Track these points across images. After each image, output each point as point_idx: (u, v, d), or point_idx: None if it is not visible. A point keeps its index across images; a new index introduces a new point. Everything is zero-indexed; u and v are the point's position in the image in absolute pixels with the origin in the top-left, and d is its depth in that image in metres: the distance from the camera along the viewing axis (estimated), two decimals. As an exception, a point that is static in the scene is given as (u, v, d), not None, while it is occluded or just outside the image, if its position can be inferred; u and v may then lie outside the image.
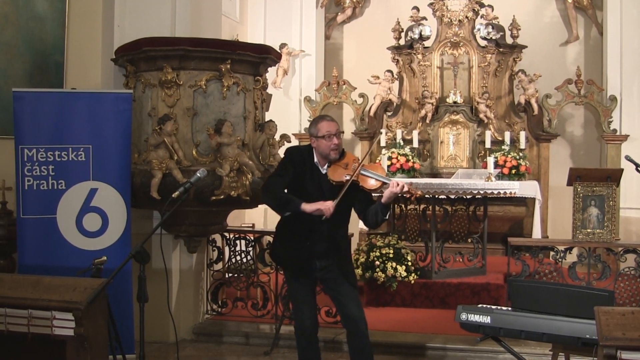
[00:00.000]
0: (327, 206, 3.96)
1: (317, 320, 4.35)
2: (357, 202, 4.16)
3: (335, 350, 5.64)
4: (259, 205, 6.09)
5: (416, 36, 9.41)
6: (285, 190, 4.18)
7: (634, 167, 5.39)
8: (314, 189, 4.11)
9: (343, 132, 4.19)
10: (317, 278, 4.28)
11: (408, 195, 4.01)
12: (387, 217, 4.15)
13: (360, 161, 4.07)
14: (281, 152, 5.84)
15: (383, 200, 3.99)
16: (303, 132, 9.80)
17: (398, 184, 3.92)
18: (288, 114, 9.79)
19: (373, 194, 4.21)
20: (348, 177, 4.04)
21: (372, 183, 4.04)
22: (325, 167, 4.15)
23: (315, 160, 4.16)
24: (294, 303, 4.42)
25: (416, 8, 9.47)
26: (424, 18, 9.49)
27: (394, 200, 4.09)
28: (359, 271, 6.57)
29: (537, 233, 8.37)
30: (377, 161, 8.96)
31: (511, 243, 6.33)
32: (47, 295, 3.73)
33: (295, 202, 4.04)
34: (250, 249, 6.34)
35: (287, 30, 9.94)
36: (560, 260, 6.19)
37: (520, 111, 9.38)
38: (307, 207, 4.00)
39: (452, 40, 9.37)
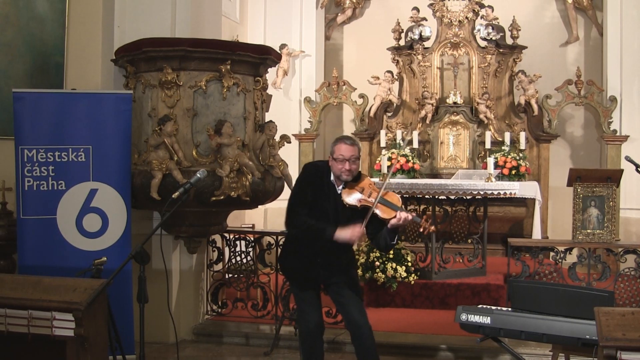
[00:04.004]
0: (357, 233, 3.98)
1: (323, 322, 4.31)
2: (369, 225, 4.08)
3: (336, 350, 5.64)
4: (259, 206, 6.08)
5: (416, 37, 9.41)
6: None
7: (634, 167, 5.39)
8: (330, 208, 4.11)
9: (359, 158, 4.14)
10: (322, 282, 4.29)
11: (422, 230, 4.00)
12: (395, 243, 4.11)
13: (378, 192, 4.03)
14: (281, 152, 5.87)
15: (389, 225, 3.99)
16: (303, 132, 9.80)
17: (400, 219, 3.92)
18: (288, 114, 9.77)
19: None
20: (363, 204, 4.02)
21: (382, 214, 4.01)
22: (341, 187, 4.12)
23: (332, 178, 4.14)
24: (299, 305, 4.36)
25: (416, 9, 9.47)
26: (424, 19, 9.49)
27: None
28: (359, 272, 6.56)
29: (537, 233, 8.36)
30: (377, 162, 8.96)
31: (511, 244, 6.32)
32: (47, 295, 3.73)
33: (327, 232, 4.03)
34: (250, 249, 6.34)
35: (287, 30, 9.92)
36: (560, 260, 6.19)
37: (520, 112, 9.37)
38: (340, 235, 4.01)
39: (452, 40, 9.36)
